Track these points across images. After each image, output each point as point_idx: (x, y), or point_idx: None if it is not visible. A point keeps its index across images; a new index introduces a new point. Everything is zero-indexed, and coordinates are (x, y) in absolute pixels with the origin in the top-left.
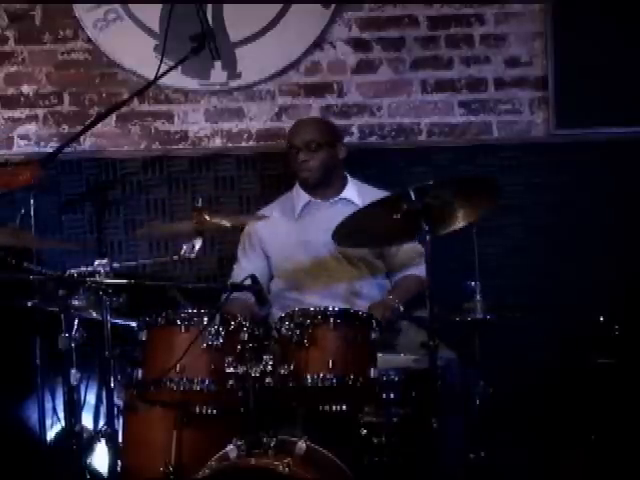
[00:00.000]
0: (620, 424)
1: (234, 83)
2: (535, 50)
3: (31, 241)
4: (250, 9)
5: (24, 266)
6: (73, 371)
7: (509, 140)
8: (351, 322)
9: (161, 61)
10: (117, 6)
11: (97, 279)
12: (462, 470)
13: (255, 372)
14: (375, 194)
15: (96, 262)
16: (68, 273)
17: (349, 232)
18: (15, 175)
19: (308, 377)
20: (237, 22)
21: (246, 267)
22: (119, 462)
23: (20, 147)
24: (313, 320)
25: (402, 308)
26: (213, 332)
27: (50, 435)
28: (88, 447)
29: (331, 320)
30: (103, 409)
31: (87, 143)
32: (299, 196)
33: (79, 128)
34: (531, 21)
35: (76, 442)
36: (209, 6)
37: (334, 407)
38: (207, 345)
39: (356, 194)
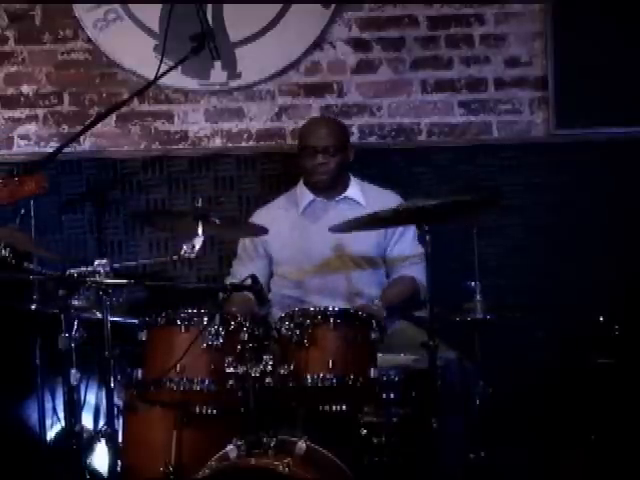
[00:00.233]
0: (620, 424)
1: (234, 83)
2: (535, 50)
3: (29, 244)
4: (250, 9)
5: (24, 266)
6: (73, 371)
7: (509, 140)
8: (351, 322)
9: (161, 61)
10: (117, 6)
11: (97, 279)
12: (462, 470)
13: (255, 372)
14: (378, 192)
15: (96, 262)
16: (68, 273)
17: (348, 226)
18: (21, 185)
19: (308, 377)
20: (237, 22)
21: (246, 264)
22: (119, 462)
23: (20, 147)
24: (313, 320)
25: (385, 313)
26: (213, 332)
27: (50, 435)
28: (88, 447)
29: (331, 320)
30: (103, 409)
31: (87, 143)
32: (303, 194)
33: (79, 128)
34: (531, 21)
35: (76, 442)
36: (209, 6)
37: (334, 407)
38: (207, 345)
39: (360, 193)
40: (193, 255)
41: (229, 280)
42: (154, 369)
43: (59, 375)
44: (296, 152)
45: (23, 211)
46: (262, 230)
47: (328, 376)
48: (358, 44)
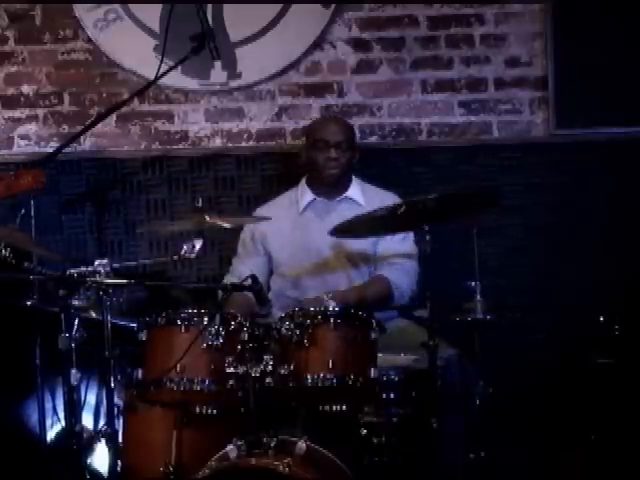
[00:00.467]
0: (620, 424)
1: (234, 83)
2: (535, 50)
3: (29, 244)
4: (250, 9)
5: (24, 266)
6: (73, 371)
7: (509, 140)
8: (351, 322)
9: (161, 61)
10: (117, 6)
11: (97, 279)
12: (462, 470)
13: (255, 372)
14: (378, 194)
15: (96, 262)
16: (68, 273)
17: (348, 228)
18: (17, 180)
19: (308, 377)
20: (237, 22)
21: (246, 262)
22: (119, 462)
23: (20, 147)
24: (313, 320)
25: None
26: (213, 332)
27: (50, 435)
28: (88, 447)
29: (331, 320)
30: (103, 409)
31: (87, 143)
32: (304, 194)
33: (79, 128)
34: (531, 21)
35: (76, 442)
36: (209, 6)
37: (334, 407)
38: (207, 345)
39: (360, 194)
40: (193, 255)
41: (228, 277)
42: (154, 369)
43: (59, 375)
44: (296, 151)
45: (23, 211)
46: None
47: (328, 376)
48: (358, 44)
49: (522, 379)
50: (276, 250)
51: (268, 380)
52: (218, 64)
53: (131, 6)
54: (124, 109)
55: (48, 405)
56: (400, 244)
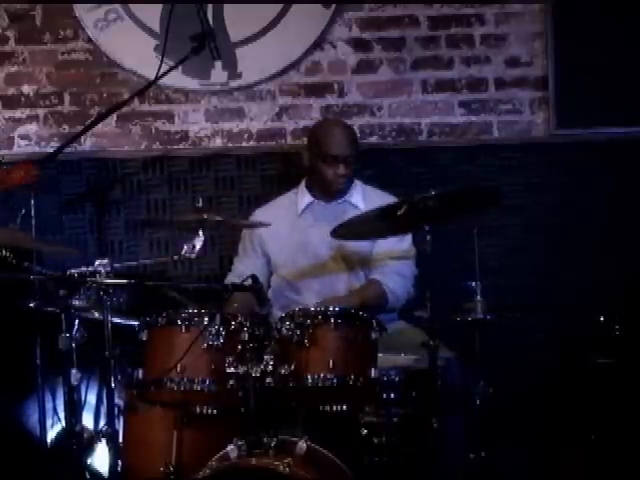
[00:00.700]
0: (620, 424)
1: (234, 83)
2: (535, 50)
3: (30, 243)
4: (250, 9)
5: (24, 266)
6: (73, 371)
7: (509, 140)
8: (351, 322)
9: (161, 61)
10: (117, 6)
11: (98, 279)
12: (462, 470)
13: (255, 372)
14: (378, 196)
15: (97, 262)
16: (68, 273)
17: (349, 229)
18: (9, 174)
19: (308, 377)
20: (237, 22)
21: (246, 263)
22: (119, 462)
23: (21, 147)
24: (314, 320)
25: None
26: (214, 332)
27: (50, 435)
28: (88, 447)
29: (332, 320)
30: (103, 409)
31: (87, 143)
32: (303, 196)
33: (79, 128)
34: (531, 21)
35: (76, 442)
36: (209, 6)
37: (334, 407)
38: (207, 345)
39: (360, 197)
40: (194, 255)
41: (230, 277)
42: (154, 369)
43: (59, 375)
44: (297, 151)
45: (24, 211)
46: (263, 224)
47: (328, 376)
48: (358, 44)
49: (522, 379)
50: (274, 252)
51: (268, 380)
52: (218, 64)
53: (131, 6)
54: (124, 109)
55: (48, 405)
56: (397, 244)
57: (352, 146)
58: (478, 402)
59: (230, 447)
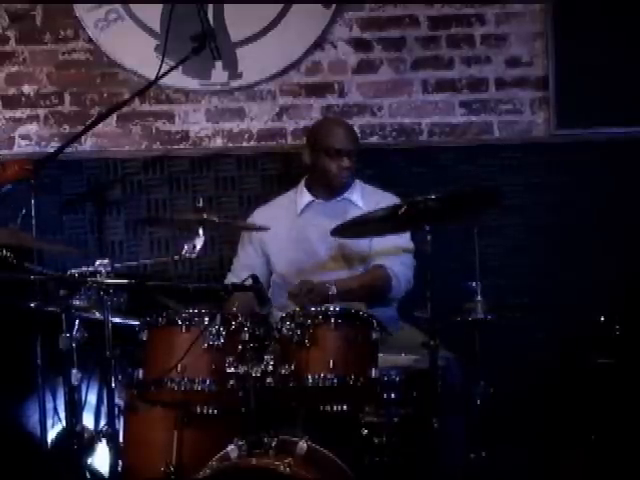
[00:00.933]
0: (620, 424)
1: (235, 83)
2: (536, 50)
3: (31, 242)
4: (251, 9)
5: (25, 266)
6: (74, 371)
7: (510, 140)
8: (352, 322)
9: (162, 61)
10: (118, 6)
11: (98, 279)
12: (463, 470)
13: (256, 372)
14: (377, 195)
15: (97, 262)
16: (69, 273)
17: (349, 228)
18: (4, 170)
19: (309, 377)
20: (238, 22)
21: (245, 262)
22: (120, 462)
23: (21, 147)
24: (314, 320)
25: (334, 289)
26: (214, 332)
27: (51, 435)
28: (89, 447)
29: (332, 320)
30: (104, 409)
31: (88, 143)
32: (302, 195)
33: (80, 128)
34: (532, 21)
35: (77, 442)
36: (210, 6)
37: (335, 407)
38: (208, 345)
39: (359, 195)
40: (194, 255)
41: (229, 277)
42: (155, 369)
43: (60, 375)
44: (297, 151)
45: (24, 211)
46: (263, 228)
47: (329, 376)
48: (359, 44)
49: (522, 379)
50: (274, 251)
51: (269, 380)
52: (219, 64)
53: (132, 6)
54: (125, 109)
55: (49, 405)
56: (396, 240)
57: (355, 140)
58: (479, 402)
59: (230, 447)
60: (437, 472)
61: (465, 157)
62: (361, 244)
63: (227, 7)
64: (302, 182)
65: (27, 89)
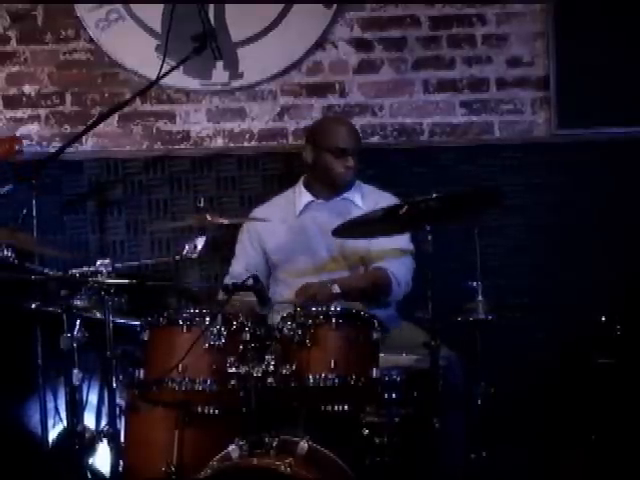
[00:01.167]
0: (621, 424)
1: (236, 83)
2: (537, 50)
3: (31, 244)
4: (252, 9)
5: (26, 266)
6: (75, 371)
7: (511, 140)
8: (353, 322)
9: (163, 61)
10: (119, 6)
11: (99, 279)
12: (463, 470)
13: (257, 372)
14: (376, 194)
15: (98, 262)
16: (70, 273)
17: (350, 228)
18: None
19: (310, 377)
20: (239, 22)
21: (243, 262)
22: (121, 462)
23: (22, 147)
24: (315, 320)
25: (337, 289)
26: (215, 332)
27: (52, 435)
28: (90, 447)
29: (333, 320)
30: (105, 409)
31: (89, 143)
32: (301, 195)
33: (81, 128)
34: (533, 21)
35: (78, 442)
36: (211, 6)
37: (336, 407)
38: (209, 345)
39: (360, 195)
40: (195, 255)
41: (228, 279)
42: (156, 369)
43: (61, 375)
44: (298, 151)
45: (25, 211)
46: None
47: (330, 376)
48: (360, 44)
49: (522, 379)
50: (273, 252)
51: (270, 380)
52: (220, 64)
53: (133, 6)
54: (126, 109)
55: (50, 405)
56: (395, 241)
57: (358, 139)
58: (480, 402)
59: (231, 447)
60: (438, 472)
61: (466, 157)
62: (361, 244)
63: (228, 7)
64: (300, 182)
65: (28, 89)
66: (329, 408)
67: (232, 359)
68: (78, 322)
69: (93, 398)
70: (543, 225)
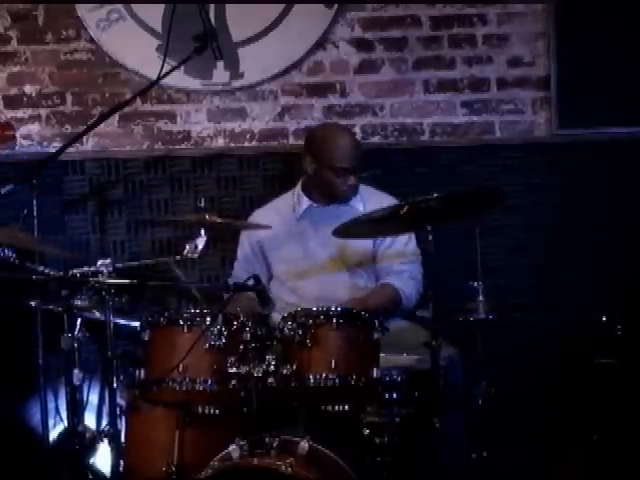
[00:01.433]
0: (622, 424)
1: (237, 83)
2: (537, 50)
3: (32, 244)
4: (253, 9)
5: (27, 266)
6: (76, 371)
7: (511, 140)
8: (353, 322)
9: (164, 61)
10: (120, 6)
11: (100, 279)
12: (464, 470)
13: (257, 372)
14: (376, 196)
15: (99, 262)
16: (71, 273)
17: (351, 229)
18: None
19: (310, 377)
20: (240, 22)
21: (245, 267)
22: (121, 462)
23: (23, 147)
24: (315, 320)
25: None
26: (215, 332)
27: (53, 435)
28: (90, 447)
29: (333, 320)
30: (106, 409)
31: (90, 143)
32: (301, 199)
33: (82, 128)
34: (533, 21)
35: (79, 442)
36: (212, 6)
37: (336, 407)
38: (209, 345)
39: (358, 197)
40: (196, 255)
41: (230, 281)
42: (156, 369)
43: (62, 375)
44: (299, 152)
45: (26, 211)
46: (264, 227)
47: (330, 376)
48: (361, 44)
49: (523, 379)
50: (273, 256)
51: (270, 380)
52: (220, 64)
53: (134, 6)
54: (127, 109)
55: (51, 405)
56: (406, 246)
57: (360, 154)
58: (480, 402)
59: (232, 447)
60: (438, 472)
61: (466, 157)
62: (363, 245)
63: (229, 7)
64: (299, 185)
65: (29, 89)
66: (330, 408)
67: (233, 359)
68: (79, 322)
69: (94, 398)
70: (543, 225)
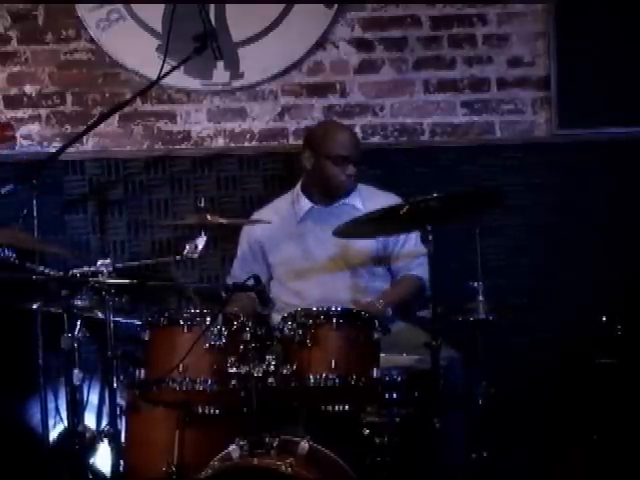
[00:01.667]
0: (622, 424)
1: (237, 83)
2: (538, 50)
3: (32, 244)
4: (253, 9)
5: (27, 266)
6: (76, 371)
7: (511, 140)
8: (353, 322)
9: (164, 61)
10: (120, 6)
11: (100, 279)
12: (464, 470)
13: (257, 372)
14: (377, 196)
15: (99, 262)
16: (71, 273)
17: (351, 228)
18: None
19: (310, 377)
20: (240, 22)
21: (245, 268)
22: (122, 462)
23: (23, 147)
24: (315, 320)
25: (390, 311)
26: (216, 332)
27: (53, 435)
28: (91, 447)
29: (333, 320)
30: (106, 409)
31: (90, 143)
32: (301, 201)
33: (82, 128)
34: (534, 21)
35: (79, 442)
36: (212, 6)
37: (336, 407)
38: (210, 345)
39: (359, 199)
40: (196, 255)
41: (228, 280)
42: (157, 369)
43: (62, 375)
44: (299, 151)
45: (26, 211)
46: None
47: (330, 376)
48: (361, 44)
49: (523, 379)
50: (273, 257)
51: (270, 380)
52: (220, 64)
53: (134, 6)
54: (127, 109)
55: (51, 405)
56: (415, 247)
57: (359, 146)
58: (480, 402)
59: (232, 447)
60: (438, 472)
61: (467, 157)
62: (366, 246)
63: (229, 7)
64: (298, 187)
65: (29, 89)
66: (330, 408)
67: (233, 359)
68: (79, 322)
69: (94, 398)
70: (543, 225)
